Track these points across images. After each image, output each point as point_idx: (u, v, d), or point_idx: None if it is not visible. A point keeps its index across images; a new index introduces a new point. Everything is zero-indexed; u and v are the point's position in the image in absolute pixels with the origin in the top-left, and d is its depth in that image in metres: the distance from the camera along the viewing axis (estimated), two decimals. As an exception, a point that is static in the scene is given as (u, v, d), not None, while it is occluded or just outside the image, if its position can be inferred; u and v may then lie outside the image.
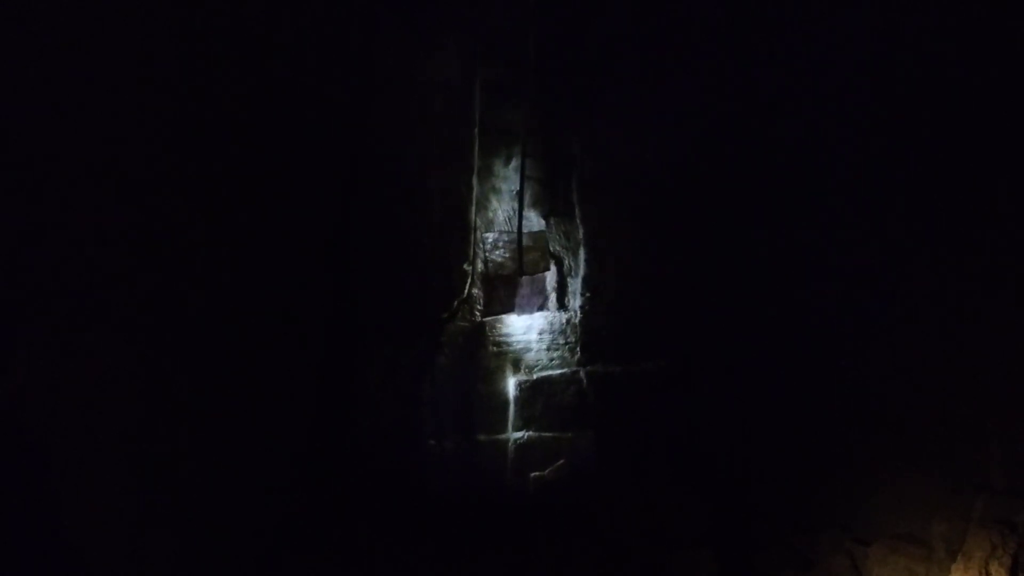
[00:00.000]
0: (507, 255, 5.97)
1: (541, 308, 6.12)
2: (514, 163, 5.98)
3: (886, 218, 5.13)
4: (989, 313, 4.59)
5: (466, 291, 5.91)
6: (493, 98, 5.95)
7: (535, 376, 5.99)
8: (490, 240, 5.96)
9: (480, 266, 5.94)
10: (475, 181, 5.91)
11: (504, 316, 6.02)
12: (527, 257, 5.97)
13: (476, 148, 5.89)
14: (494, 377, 5.95)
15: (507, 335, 5.99)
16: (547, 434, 5.97)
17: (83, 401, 3.85)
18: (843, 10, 5.36)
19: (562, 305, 6.09)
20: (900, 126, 5.03)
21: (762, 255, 5.91)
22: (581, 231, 6.08)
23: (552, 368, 6.03)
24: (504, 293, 6.08)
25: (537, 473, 5.92)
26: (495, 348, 5.97)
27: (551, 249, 6.09)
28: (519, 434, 5.95)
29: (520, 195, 5.94)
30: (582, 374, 6.04)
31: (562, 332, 6.05)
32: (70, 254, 3.75)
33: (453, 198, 5.88)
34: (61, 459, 3.80)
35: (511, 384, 5.96)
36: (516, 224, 5.98)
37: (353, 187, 5.70)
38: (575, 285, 6.08)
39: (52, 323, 3.74)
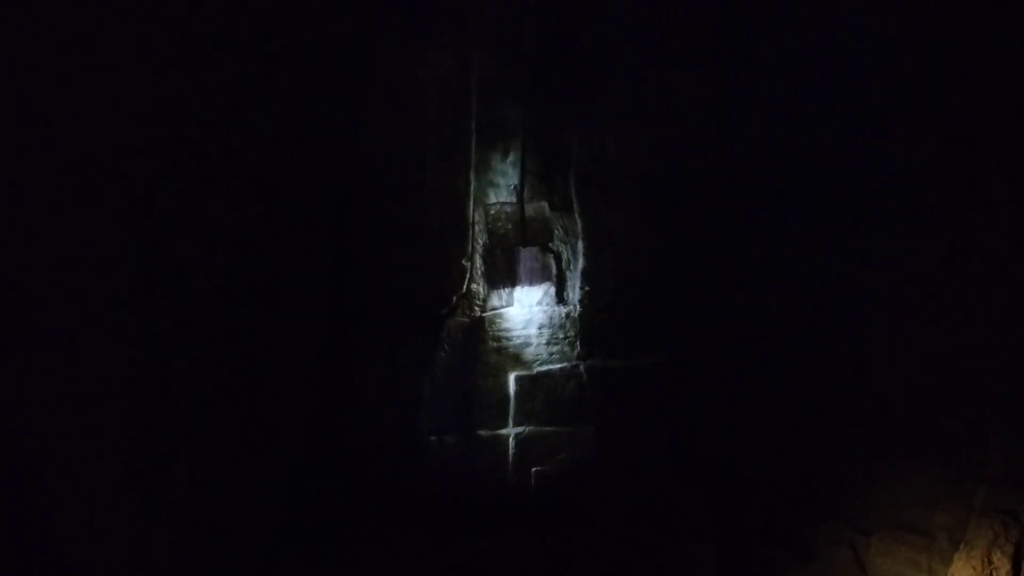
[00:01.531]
0: (509, 226, 5.92)
1: (543, 281, 6.07)
2: (511, 158, 5.96)
3: (886, 216, 5.12)
4: (989, 312, 4.59)
5: (465, 286, 5.90)
6: (490, 94, 5.94)
7: (535, 371, 5.98)
8: (492, 212, 5.90)
9: (483, 238, 5.91)
10: (472, 176, 5.90)
11: (503, 311, 6.00)
12: (529, 228, 5.93)
13: (473, 144, 5.88)
14: (494, 372, 5.94)
15: (506, 330, 5.97)
16: (547, 428, 5.96)
17: (82, 401, 3.83)
18: (841, 8, 5.34)
19: (561, 299, 6.07)
20: (900, 125, 5.02)
21: (762, 251, 5.89)
22: (579, 224, 6.06)
23: (552, 363, 6.01)
24: (504, 285, 6.05)
25: (538, 468, 5.91)
26: (495, 343, 5.95)
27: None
28: (519, 429, 5.94)
29: (520, 189, 5.91)
30: (582, 368, 6.02)
31: (561, 326, 6.03)
32: (69, 254, 3.73)
33: (451, 194, 5.87)
34: (60, 459, 3.78)
35: (511, 379, 5.94)
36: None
37: (351, 185, 5.68)
38: (574, 279, 6.06)
39: (50, 322, 3.72)
